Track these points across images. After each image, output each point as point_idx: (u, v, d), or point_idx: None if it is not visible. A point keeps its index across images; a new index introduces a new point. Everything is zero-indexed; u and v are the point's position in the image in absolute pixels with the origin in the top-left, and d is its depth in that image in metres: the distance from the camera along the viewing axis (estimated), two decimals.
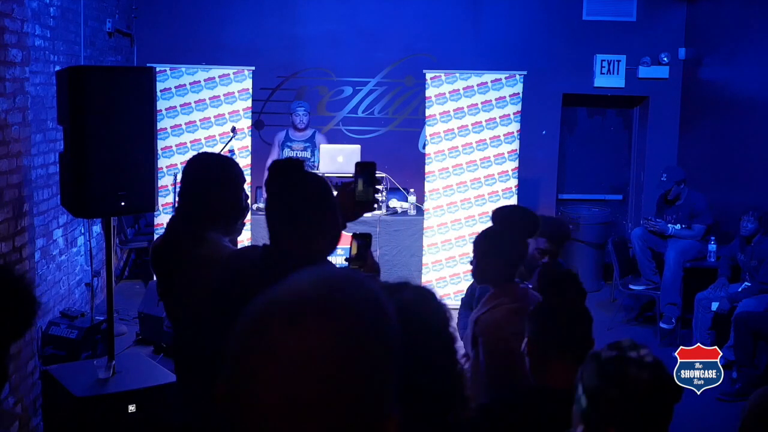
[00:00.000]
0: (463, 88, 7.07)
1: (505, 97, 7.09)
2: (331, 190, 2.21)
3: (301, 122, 7.25)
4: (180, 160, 6.89)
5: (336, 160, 6.52)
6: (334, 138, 7.92)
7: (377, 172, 2.47)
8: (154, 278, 6.84)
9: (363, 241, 2.38)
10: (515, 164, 7.14)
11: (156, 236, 6.97)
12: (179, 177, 6.69)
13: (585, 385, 1.71)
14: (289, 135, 7.34)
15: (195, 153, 7.11)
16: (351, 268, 2.34)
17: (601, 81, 8.31)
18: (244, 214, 2.79)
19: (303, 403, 0.76)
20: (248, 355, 0.80)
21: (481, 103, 7.08)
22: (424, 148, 7.45)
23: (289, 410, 0.76)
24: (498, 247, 2.76)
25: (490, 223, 2.89)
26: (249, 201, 2.92)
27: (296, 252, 2.10)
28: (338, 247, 2.26)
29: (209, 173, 2.68)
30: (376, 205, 2.48)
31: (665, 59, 8.29)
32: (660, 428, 1.71)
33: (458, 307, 4.36)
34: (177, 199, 2.73)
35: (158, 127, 5.42)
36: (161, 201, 6.52)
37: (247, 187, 2.95)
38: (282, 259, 2.09)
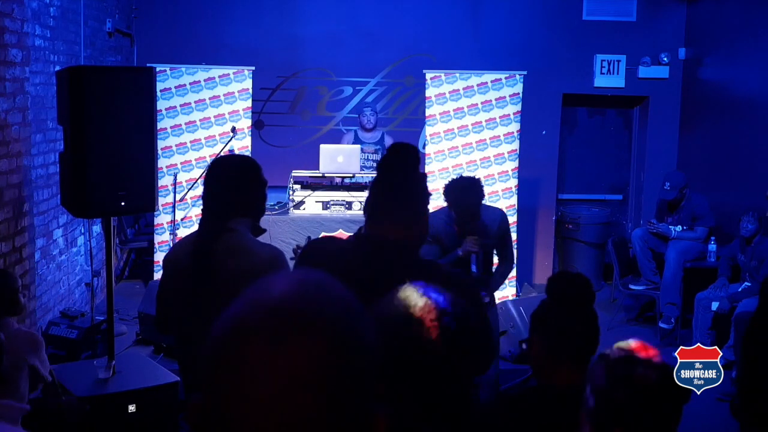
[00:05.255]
0: (463, 88, 7.07)
1: (505, 97, 7.09)
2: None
3: (369, 122, 7.24)
4: (180, 160, 6.89)
5: (336, 160, 6.52)
6: (334, 138, 7.92)
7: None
8: (154, 277, 6.85)
9: None
10: (515, 164, 7.14)
11: (155, 236, 6.98)
12: (179, 177, 6.73)
13: (593, 385, 1.72)
14: (359, 136, 7.29)
15: (195, 152, 7.07)
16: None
17: (601, 81, 8.31)
18: (263, 213, 2.84)
19: (291, 424, 0.74)
20: (227, 376, 0.76)
21: (481, 103, 7.08)
22: (424, 148, 7.45)
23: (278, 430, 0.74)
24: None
25: None
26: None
27: (391, 239, 2.16)
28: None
29: (245, 174, 2.73)
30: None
31: (665, 59, 8.29)
32: (668, 430, 1.71)
33: None
34: (206, 199, 2.75)
35: (158, 127, 5.42)
36: (161, 201, 6.51)
37: None
38: (377, 246, 2.15)
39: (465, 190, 4.33)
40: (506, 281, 5.21)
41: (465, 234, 4.40)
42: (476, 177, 4.56)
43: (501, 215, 4.69)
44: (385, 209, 2.20)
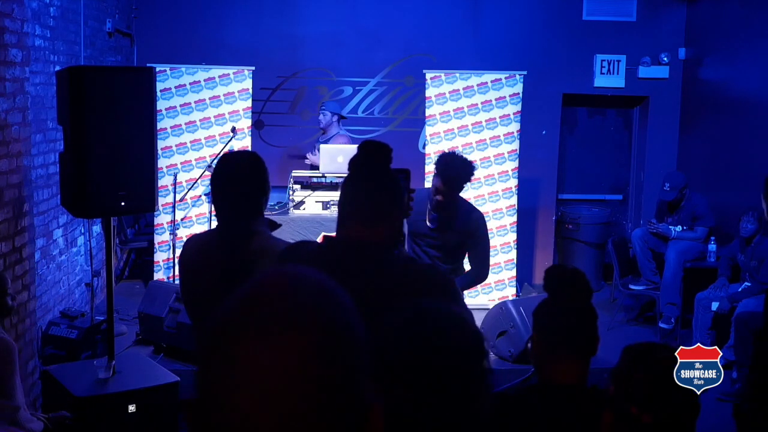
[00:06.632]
0: (463, 88, 7.07)
1: (505, 97, 7.09)
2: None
3: (319, 122, 7.29)
4: (180, 160, 6.89)
5: (336, 160, 6.52)
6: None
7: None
8: (154, 277, 6.82)
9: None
10: (515, 164, 7.14)
11: (155, 236, 6.97)
12: (180, 177, 6.74)
13: (614, 373, 1.78)
14: (319, 137, 7.36)
15: (195, 152, 7.05)
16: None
17: (601, 81, 8.31)
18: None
19: (284, 419, 0.74)
20: (218, 373, 0.76)
21: (481, 103, 7.09)
22: (424, 148, 7.45)
23: (271, 428, 0.74)
24: None
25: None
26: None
27: (358, 240, 2.11)
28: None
29: (260, 171, 2.71)
30: (410, 211, 2.46)
31: (665, 59, 8.29)
32: (686, 417, 1.73)
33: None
34: (218, 197, 2.73)
35: (158, 127, 5.42)
36: (161, 201, 6.52)
37: None
38: (345, 247, 2.11)
39: (453, 162, 4.33)
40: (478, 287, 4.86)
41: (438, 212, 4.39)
42: (471, 161, 4.48)
43: (475, 218, 4.45)
44: (351, 209, 2.15)
